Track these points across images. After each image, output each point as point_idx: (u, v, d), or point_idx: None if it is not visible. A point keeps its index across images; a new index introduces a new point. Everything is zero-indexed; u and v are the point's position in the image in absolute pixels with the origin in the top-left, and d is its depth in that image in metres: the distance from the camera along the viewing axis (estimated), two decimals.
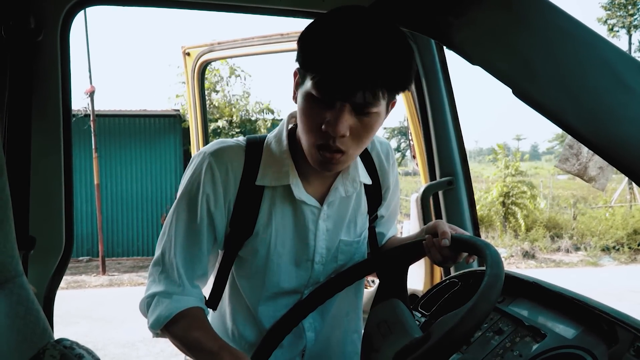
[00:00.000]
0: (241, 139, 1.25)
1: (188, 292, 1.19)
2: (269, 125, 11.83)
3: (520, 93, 0.90)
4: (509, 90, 0.91)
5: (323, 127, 1.05)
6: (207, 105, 11.45)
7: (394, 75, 1.04)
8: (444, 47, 1.63)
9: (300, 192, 1.20)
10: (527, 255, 11.48)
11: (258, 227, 1.20)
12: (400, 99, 1.78)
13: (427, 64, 1.65)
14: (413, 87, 1.70)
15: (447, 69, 1.67)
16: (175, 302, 1.16)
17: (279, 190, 1.21)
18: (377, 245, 1.40)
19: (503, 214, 12.82)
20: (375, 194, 1.34)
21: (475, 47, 1.01)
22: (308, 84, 1.05)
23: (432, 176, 1.71)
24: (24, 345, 1.05)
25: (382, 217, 1.41)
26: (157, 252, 1.21)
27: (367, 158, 1.31)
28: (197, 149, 2.56)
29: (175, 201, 1.21)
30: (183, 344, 1.15)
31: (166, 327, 1.15)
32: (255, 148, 1.22)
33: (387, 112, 1.13)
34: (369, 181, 1.29)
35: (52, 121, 1.50)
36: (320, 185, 1.24)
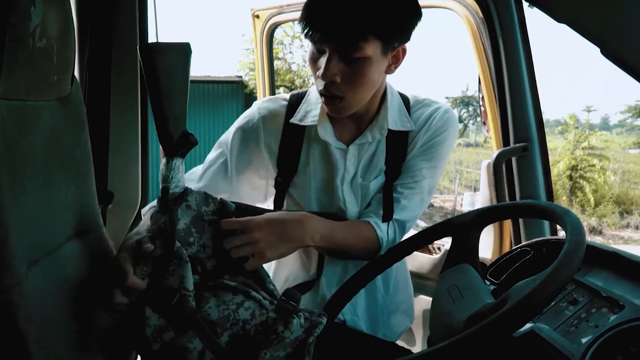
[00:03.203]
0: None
1: None
2: None
3: (609, 52, 0.86)
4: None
5: (317, 73, 1.13)
6: None
7: (377, 20, 1.08)
8: (524, 6, 1.55)
9: (326, 133, 1.26)
10: (594, 231, 11.05)
11: (300, 166, 1.29)
12: (473, 61, 1.71)
13: (505, 23, 1.57)
14: (489, 47, 1.63)
15: (526, 29, 1.58)
16: None
17: (314, 131, 1.28)
18: (391, 204, 1.29)
19: (570, 188, 12.36)
20: (399, 146, 1.30)
21: (561, 3, 0.97)
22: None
23: (505, 142, 1.65)
24: None
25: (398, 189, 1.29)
26: None
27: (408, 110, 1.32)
28: None
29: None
30: None
31: None
32: (298, 97, 1.33)
33: (389, 60, 1.17)
34: (394, 127, 1.28)
35: (131, 80, 1.55)
36: (356, 130, 1.30)
